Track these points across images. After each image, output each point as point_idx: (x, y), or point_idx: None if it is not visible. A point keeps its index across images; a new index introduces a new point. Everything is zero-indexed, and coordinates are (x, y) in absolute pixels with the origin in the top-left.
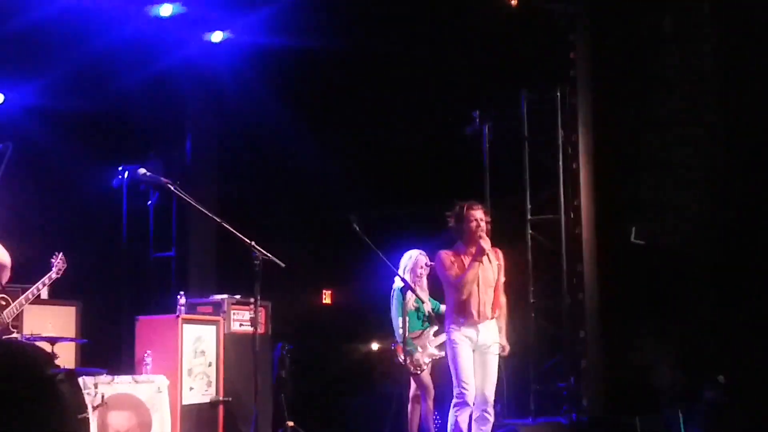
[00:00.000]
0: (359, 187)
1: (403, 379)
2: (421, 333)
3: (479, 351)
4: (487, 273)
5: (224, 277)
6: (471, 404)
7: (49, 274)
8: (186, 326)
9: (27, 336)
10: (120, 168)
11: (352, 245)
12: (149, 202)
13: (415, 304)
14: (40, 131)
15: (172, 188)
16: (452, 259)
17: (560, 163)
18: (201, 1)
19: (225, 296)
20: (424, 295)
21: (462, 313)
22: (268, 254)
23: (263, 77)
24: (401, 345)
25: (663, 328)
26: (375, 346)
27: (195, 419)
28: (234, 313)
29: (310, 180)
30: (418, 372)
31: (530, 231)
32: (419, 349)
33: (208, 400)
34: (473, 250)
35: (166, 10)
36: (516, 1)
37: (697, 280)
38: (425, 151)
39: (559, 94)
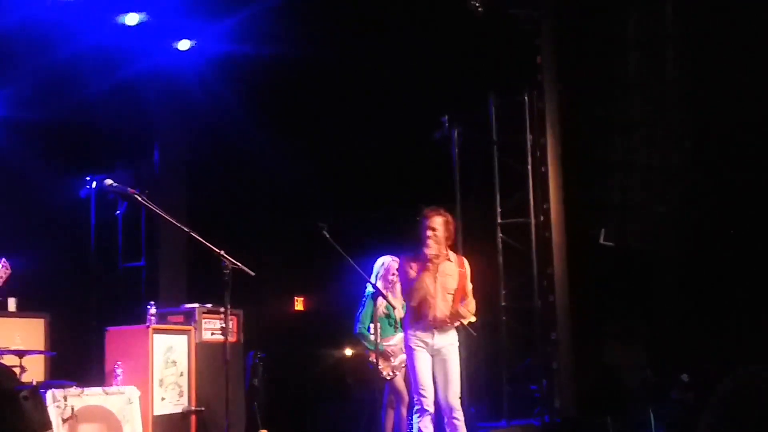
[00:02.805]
0: (329, 193)
1: (376, 384)
2: (393, 338)
3: (438, 357)
4: (447, 280)
5: (195, 286)
6: (430, 410)
7: None
8: (157, 336)
9: None
10: (88, 178)
11: (323, 252)
12: (117, 212)
13: (385, 311)
14: (6, 141)
15: (140, 198)
16: (411, 264)
17: (529, 166)
18: (167, 9)
19: (196, 305)
20: (397, 301)
21: (417, 318)
22: (238, 263)
23: (231, 85)
24: (374, 351)
25: (632, 328)
26: (348, 351)
27: (167, 430)
28: (205, 323)
29: (279, 187)
30: (390, 377)
31: (500, 234)
32: (390, 353)
33: (180, 411)
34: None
35: (132, 19)
36: (482, 7)
37: (665, 281)
38: (395, 157)
39: (526, 98)
